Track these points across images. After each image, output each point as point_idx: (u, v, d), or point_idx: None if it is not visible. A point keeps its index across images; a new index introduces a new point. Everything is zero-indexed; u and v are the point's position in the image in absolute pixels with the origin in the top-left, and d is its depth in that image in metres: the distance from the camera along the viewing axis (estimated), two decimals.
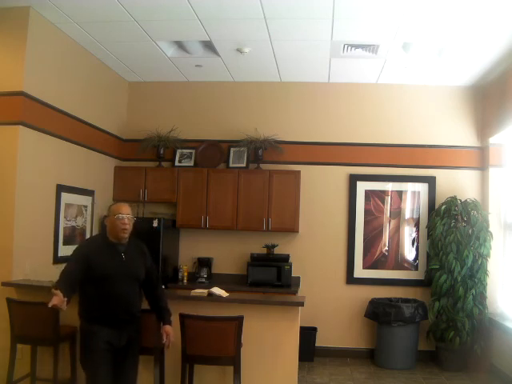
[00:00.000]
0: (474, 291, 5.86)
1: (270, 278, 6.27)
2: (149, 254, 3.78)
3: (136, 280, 3.60)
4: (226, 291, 4.48)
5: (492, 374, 5.83)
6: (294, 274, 6.44)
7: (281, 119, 6.80)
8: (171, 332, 3.77)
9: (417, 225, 6.60)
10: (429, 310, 6.07)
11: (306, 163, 6.68)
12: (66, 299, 3.15)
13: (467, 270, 5.90)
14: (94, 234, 6.14)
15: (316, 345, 6.34)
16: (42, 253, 5.06)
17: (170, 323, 3.80)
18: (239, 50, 5.68)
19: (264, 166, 6.64)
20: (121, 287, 3.49)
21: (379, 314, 6.03)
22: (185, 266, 6.62)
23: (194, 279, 6.54)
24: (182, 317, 3.90)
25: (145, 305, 3.84)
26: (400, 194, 6.64)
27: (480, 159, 6.49)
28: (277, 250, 6.51)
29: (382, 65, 6.02)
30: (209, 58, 6.02)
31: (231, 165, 6.73)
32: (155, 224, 6.21)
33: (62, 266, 3.51)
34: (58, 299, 3.09)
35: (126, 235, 3.57)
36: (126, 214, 3.55)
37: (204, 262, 6.58)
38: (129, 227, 3.56)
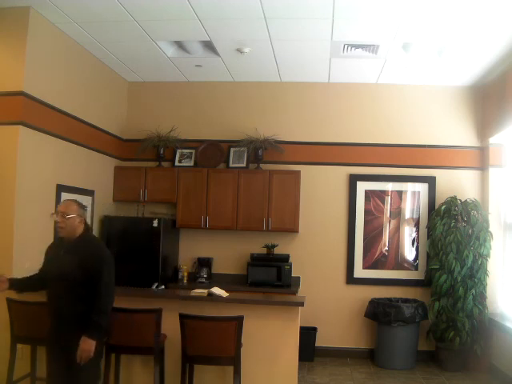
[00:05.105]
0: (473, 291, 5.86)
1: (270, 278, 6.27)
2: (97, 258, 3.46)
3: (65, 280, 3.39)
4: (226, 291, 4.49)
5: (492, 373, 5.84)
6: (293, 274, 6.43)
7: (281, 119, 6.79)
8: (86, 348, 3.30)
9: (417, 225, 6.60)
10: (429, 310, 6.07)
11: (306, 163, 6.68)
12: (5, 283, 3.53)
13: (467, 270, 5.91)
14: (94, 234, 6.15)
15: (316, 345, 6.34)
16: (42, 253, 5.00)
17: (90, 336, 3.31)
18: (239, 50, 5.68)
19: (264, 166, 6.64)
20: (53, 284, 3.51)
21: (379, 314, 6.03)
22: (185, 266, 6.61)
23: (194, 279, 6.54)
24: (182, 317, 3.90)
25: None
26: (400, 194, 6.64)
27: (480, 159, 6.49)
28: (277, 250, 6.51)
29: (382, 65, 6.02)
30: (209, 58, 6.02)
31: (231, 165, 6.72)
32: (155, 224, 6.21)
33: None
34: None
35: (62, 234, 3.55)
36: (57, 212, 3.54)
37: (204, 262, 6.58)
38: (63, 225, 3.49)
